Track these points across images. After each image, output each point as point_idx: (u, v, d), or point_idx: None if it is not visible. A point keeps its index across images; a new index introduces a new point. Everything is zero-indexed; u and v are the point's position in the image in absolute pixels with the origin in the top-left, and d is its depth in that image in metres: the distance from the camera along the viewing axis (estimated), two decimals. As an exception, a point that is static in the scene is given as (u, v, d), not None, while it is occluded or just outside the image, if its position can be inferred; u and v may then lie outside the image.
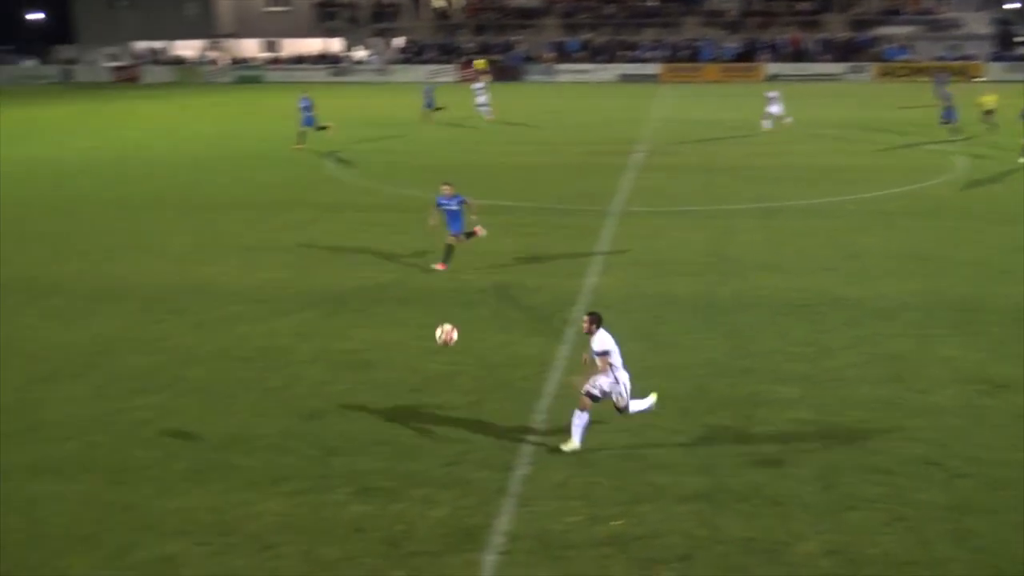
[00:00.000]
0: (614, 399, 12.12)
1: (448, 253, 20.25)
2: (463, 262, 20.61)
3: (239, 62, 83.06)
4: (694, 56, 78.49)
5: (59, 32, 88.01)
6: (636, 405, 12.40)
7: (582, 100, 59.42)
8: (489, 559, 9.65)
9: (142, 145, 40.40)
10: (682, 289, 19.08)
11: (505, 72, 75.17)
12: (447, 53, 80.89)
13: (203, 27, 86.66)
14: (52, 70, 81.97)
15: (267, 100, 47.59)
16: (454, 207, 20.06)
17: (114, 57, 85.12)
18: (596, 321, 12.00)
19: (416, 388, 14.16)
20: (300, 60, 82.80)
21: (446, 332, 12.83)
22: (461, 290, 19.06)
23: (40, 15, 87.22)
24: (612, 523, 10.27)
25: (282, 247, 22.61)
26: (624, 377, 12.10)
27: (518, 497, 10.89)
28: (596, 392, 11.94)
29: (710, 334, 16.33)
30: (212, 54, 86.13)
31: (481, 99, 47.46)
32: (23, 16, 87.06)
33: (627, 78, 74.21)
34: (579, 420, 11.85)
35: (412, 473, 11.46)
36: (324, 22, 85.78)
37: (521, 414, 13.16)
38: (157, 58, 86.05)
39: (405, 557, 9.73)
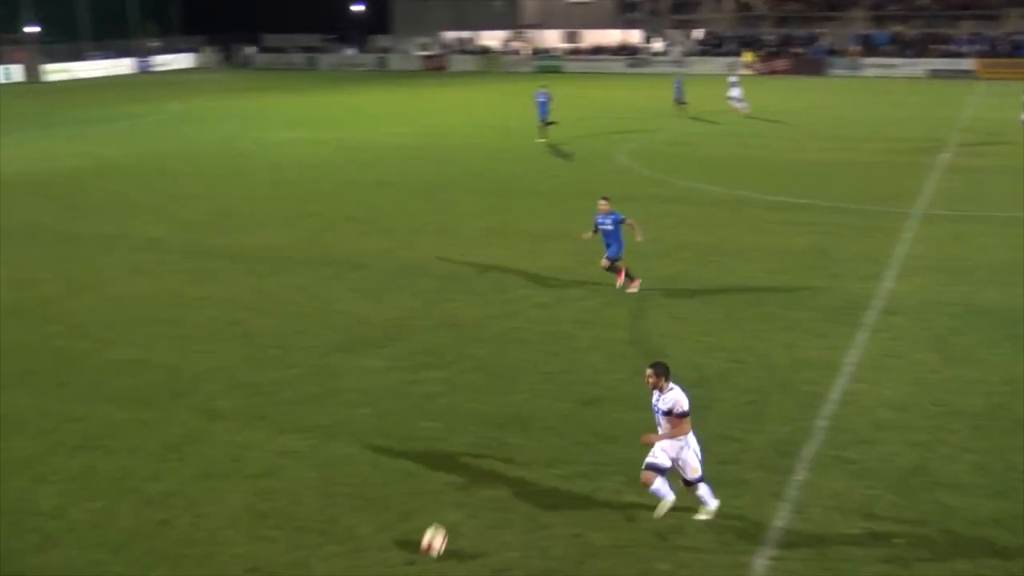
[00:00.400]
0: (681, 468, 10.12)
1: (623, 272, 18.53)
2: (749, 259, 20.22)
3: (539, 52, 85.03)
4: (1015, 51, 72.89)
5: (377, 23, 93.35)
6: (706, 490, 10.21)
7: (887, 96, 56.64)
8: (759, 563, 9.46)
9: (444, 131, 42.21)
10: (985, 299, 17.83)
11: (807, 65, 72.78)
12: (747, 45, 79.27)
13: (509, 18, 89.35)
14: (369, 58, 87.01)
15: (563, 90, 48.63)
16: (609, 226, 18.12)
17: (424, 46, 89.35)
18: (663, 373, 10.06)
19: (694, 383, 13.98)
20: (598, 51, 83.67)
21: (432, 541, 9.53)
22: (746, 287, 18.70)
23: (362, 7, 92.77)
24: (895, 541, 9.79)
25: (568, 235, 22.97)
26: (696, 443, 10.21)
27: (794, 503, 10.60)
28: (661, 463, 10.03)
29: (1014, 349, 15.18)
30: (515, 44, 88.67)
31: (735, 92, 46.17)
32: (347, 8, 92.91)
33: (937, 73, 69.92)
34: (657, 488, 10.03)
35: (685, 468, 11.40)
36: (625, 13, 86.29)
37: (802, 417, 12.78)
38: (464, 47, 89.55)
39: (673, 551, 9.70)
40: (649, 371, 10.11)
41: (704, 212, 25.25)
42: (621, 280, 18.39)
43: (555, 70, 78.28)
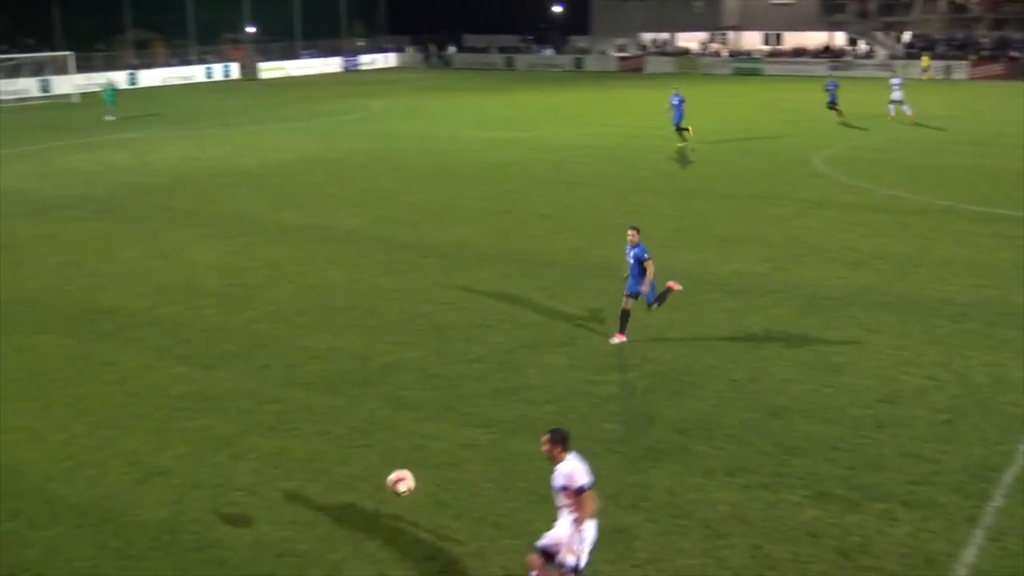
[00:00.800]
0: (562, 557, 8.37)
1: (624, 321, 15.89)
2: (951, 272, 19.29)
3: (738, 54, 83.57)
4: None
5: (575, 24, 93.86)
6: None
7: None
8: (948, 590, 9.02)
9: (637, 132, 42.00)
10: None
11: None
12: (959, 48, 75.53)
13: (709, 19, 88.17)
14: (566, 59, 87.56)
15: (763, 93, 47.54)
16: (630, 260, 15.59)
17: (621, 48, 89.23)
18: (559, 442, 8.60)
19: (886, 398, 13.48)
20: (800, 53, 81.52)
21: (395, 481, 9.57)
22: (947, 301, 17.82)
23: (560, 8, 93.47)
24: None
25: (761, 240, 22.49)
26: (592, 531, 8.54)
27: (989, 530, 10.04)
28: (549, 545, 8.53)
29: None
30: (714, 46, 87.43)
31: (896, 95, 43.90)
32: (547, 9, 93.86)
33: None
34: None
35: (873, 485, 10.97)
36: (830, 15, 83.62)
37: (1003, 441, 12.09)
38: (662, 49, 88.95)
39: (857, 570, 9.35)
40: (544, 438, 8.69)
41: (903, 221, 24.23)
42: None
43: (754, 72, 76.79)
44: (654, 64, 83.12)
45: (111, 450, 12.35)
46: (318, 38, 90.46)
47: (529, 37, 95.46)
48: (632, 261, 15.47)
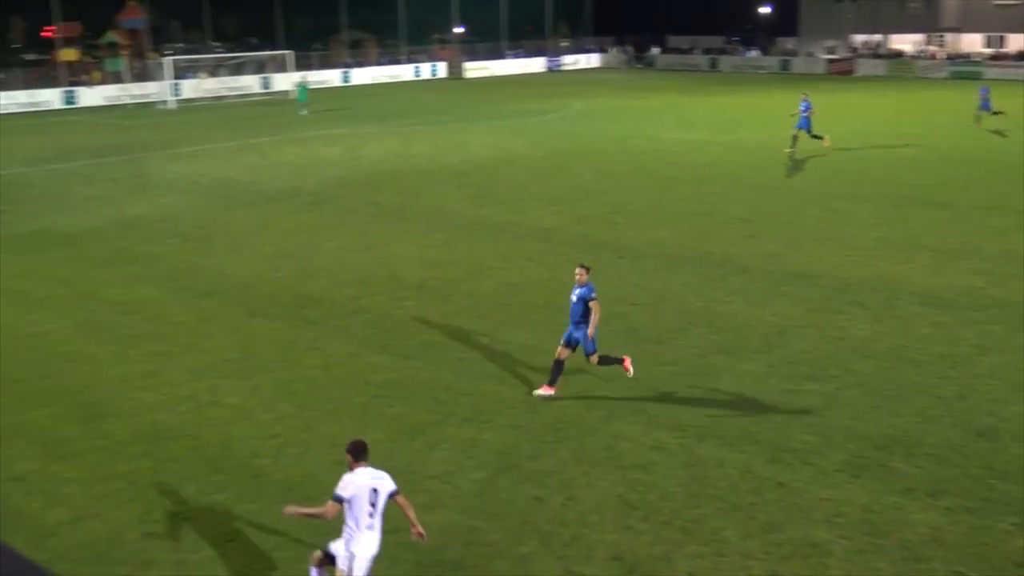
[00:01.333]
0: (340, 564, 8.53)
1: (555, 372, 13.82)
2: None
3: (956, 57, 79.58)
4: None
5: (783, 25, 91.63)
6: None
7: None
8: None
9: (841, 136, 40.58)
10: None
11: None
12: None
13: (925, 20, 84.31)
14: (772, 61, 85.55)
15: (1003, 99, 45.04)
16: (573, 299, 13.60)
17: (831, 49, 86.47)
18: (351, 451, 8.78)
19: (1110, 425, 12.58)
20: (1025, 56, 76.94)
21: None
22: None
23: (768, 9, 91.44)
24: None
25: (977, 252, 21.35)
26: (355, 543, 8.48)
27: None
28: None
29: None
30: (930, 48, 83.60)
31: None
32: (754, 10, 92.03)
33: None
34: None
35: (1091, 518, 10.26)
36: (1061, 16, 78.52)
37: None
38: (874, 51, 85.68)
39: (1068, 607, 8.78)
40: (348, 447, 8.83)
41: None
42: (627, 369, 13.93)
43: (974, 76, 72.91)
44: (865, 67, 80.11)
45: (314, 431, 12.90)
46: (523, 39, 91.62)
47: (734, 38, 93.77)
48: (575, 300, 13.44)
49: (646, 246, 22.42)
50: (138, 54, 70.90)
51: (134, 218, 26.50)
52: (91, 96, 61.65)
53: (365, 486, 8.57)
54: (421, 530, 8.88)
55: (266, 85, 67.22)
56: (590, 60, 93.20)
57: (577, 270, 13.54)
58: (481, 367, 15.15)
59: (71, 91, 61.63)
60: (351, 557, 8.52)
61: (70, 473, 11.87)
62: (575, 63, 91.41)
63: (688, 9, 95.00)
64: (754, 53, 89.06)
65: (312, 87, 59.29)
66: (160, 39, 78.80)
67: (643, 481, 11.32)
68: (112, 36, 72.95)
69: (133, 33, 73.62)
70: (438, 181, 31.43)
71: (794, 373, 14.61)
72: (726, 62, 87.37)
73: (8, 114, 56.52)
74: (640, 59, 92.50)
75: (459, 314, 17.81)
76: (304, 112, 52.20)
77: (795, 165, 33.51)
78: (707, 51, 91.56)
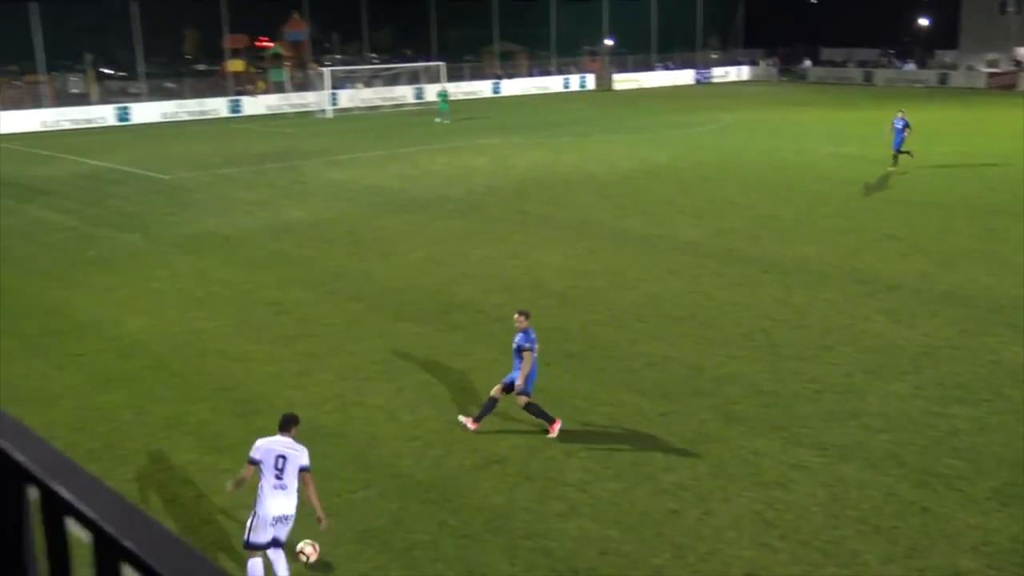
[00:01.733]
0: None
1: (485, 408, 13.34)
2: None
3: None
4: None
5: (942, 38, 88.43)
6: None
7: None
8: None
9: (1001, 154, 38.86)
10: None
11: None
12: None
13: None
14: (929, 74, 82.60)
15: None
16: (514, 344, 13.19)
17: (992, 63, 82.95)
18: (281, 422, 10.09)
19: None
20: None
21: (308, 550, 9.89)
22: None
23: (927, 21, 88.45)
24: None
25: None
26: (267, 506, 9.51)
27: None
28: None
29: None
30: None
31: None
32: (912, 22, 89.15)
33: None
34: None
35: None
36: None
37: None
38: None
39: None
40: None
41: None
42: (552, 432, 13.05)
43: None
44: (1029, 81, 76.58)
45: (455, 434, 13.06)
46: (673, 51, 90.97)
47: (890, 51, 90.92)
48: (514, 347, 13.09)
49: (791, 261, 21.92)
50: (299, 65, 73.26)
51: (290, 222, 27.38)
52: (255, 105, 64.05)
53: (272, 451, 9.63)
54: (321, 515, 9.75)
55: (419, 95, 68.53)
56: (740, 72, 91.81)
57: (515, 316, 13.24)
58: (620, 377, 15.07)
59: (237, 100, 64.16)
60: (254, 515, 9.59)
61: (224, 464, 12.32)
62: (725, 75, 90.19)
63: (842, 21, 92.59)
64: (911, 66, 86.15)
65: (463, 98, 60.00)
66: (320, 51, 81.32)
67: (782, 499, 11.06)
68: (276, 48, 75.62)
69: (295, 45, 76.13)
70: (584, 191, 31.45)
71: (943, 395, 14.04)
72: (881, 75, 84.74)
73: (179, 121, 59.23)
74: (791, 71, 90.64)
75: (600, 324, 17.76)
76: (439, 120, 53.43)
77: (949, 181, 32.24)
78: (861, 64, 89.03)
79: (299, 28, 76.33)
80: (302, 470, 9.66)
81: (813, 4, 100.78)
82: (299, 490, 9.68)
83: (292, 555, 9.72)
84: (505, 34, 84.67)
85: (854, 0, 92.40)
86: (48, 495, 1.53)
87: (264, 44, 76.10)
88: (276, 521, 9.52)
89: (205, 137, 50.27)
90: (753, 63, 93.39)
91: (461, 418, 13.47)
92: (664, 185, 32.40)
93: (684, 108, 61.24)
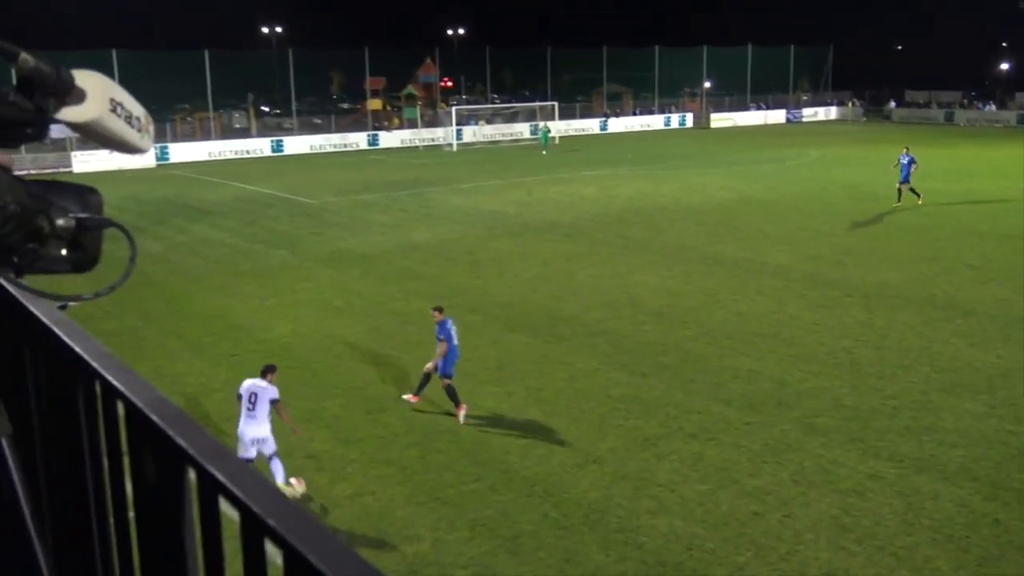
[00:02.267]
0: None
1: (421, 384, 14.27)
2: None
3: None
4: None
5: (1021, 80, 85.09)
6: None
7: None
8: None
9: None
10: None
11: None
12: None
13: None
14: (1009, 115, 79.41)
15: None
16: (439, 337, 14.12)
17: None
18: (262, 369, 11.95)
19: None
20: None
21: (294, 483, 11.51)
22: None
23: (1007, 65, 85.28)
24: None
25: None
26: (241, 428, 11.42)
27: None
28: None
29: None
30: None
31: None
32: (993, 66, 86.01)
33: None
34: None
35: None
36: None
37: None
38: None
39: None
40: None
41: None
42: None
43: None
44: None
45: (558, 436, 13.06)
46: (766, 92, 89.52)
47: (971, 93, 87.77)
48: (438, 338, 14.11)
49: (872, 286, 21.29)
50: (430, 104, 74.45)
51: (417, 243, 27.79)
52: (390, 139, 65.27)
53: (248, 389, 11.50)
54: (295, 429, 11.79)
55: (535, 131, 68.91)
56: (829, 113, 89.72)
57: (432, 312, 14.54)
58: (709, 388, 14.85)
59: (374, 134, 65.50)
60: (239, 437, 11.34)
61: (353, 455, 12.57)
62: (814, 115, 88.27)
63: (926, 65, 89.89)
64: (991, 108, 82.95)
65: (574, 134, 59.98)
66: (448, 92, 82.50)
67: (858, 506, 10.74)
68: (410, 89, 77.01)
69: (427, 87, 77.43)
70: (680, 219, 31.14)
71: (1017, 415, 13.44)
72: (962, 116, 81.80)
73: (325, 152, 60.76)
74: (876, 112, 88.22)
75: (692, 339, 17.54)
76: (543, 152, 54.47)
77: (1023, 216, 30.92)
78: (943, 105, 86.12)
79: (430, 72, 77.60)
80: (273, 402, 11.51)
81: (898, 50, 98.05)
82: (274, 418, 11.51)
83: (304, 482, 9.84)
84: (613, 77, 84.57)
85: (938, 46, 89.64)
86: (204, 476, 1.60)
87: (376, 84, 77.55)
88: (253, 442, 11.30)
89: (346, 167, 51.44)
90: (841, 104, 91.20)
91: (404, 396, 14.49)
92: (755, 214, 31.85)
93: (775, 144, 60.12)
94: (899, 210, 32.01)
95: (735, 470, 11.79)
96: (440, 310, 14.45)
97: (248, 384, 11.66)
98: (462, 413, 13.72)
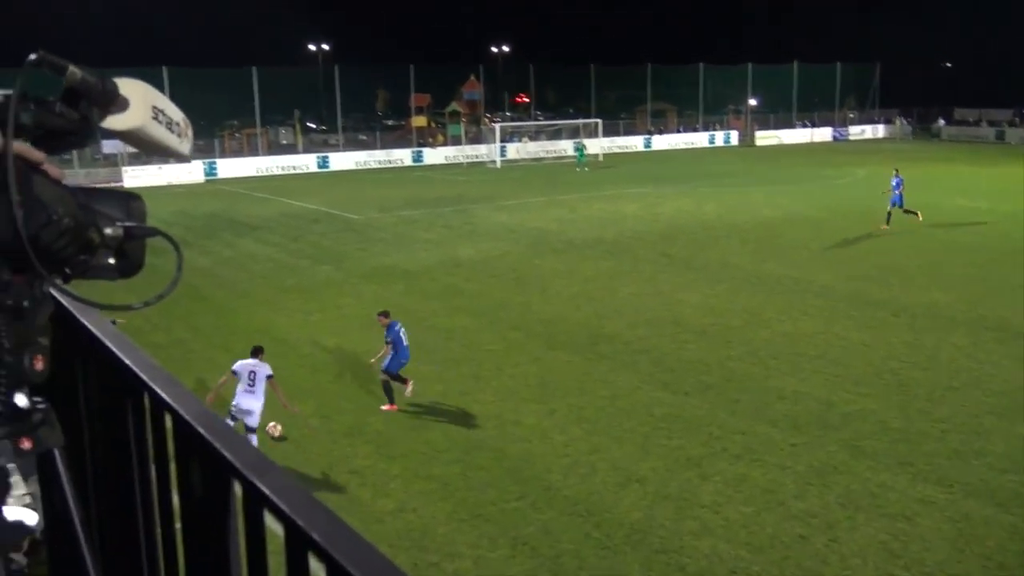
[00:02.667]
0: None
1: (386, 391, 15.10)
2: None
3: None
4: None
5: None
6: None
7: None
8: None
9: None
10: None
11: None
12: None
13: None
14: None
15: None
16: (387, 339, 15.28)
17: None
18: (253, 350, 13.58)
19: None
20: None
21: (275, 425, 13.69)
22: None
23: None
24: None
25: None
26: (239, 401, 13.00)
27: None
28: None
29: None
30: None
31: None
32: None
33: None
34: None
35: None
36: None
37: None
38: None
39: None
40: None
41: None
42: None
43: None
44: None
45: (600, 454, 12.98)
46: (812, 110, 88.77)
47: (1023, 111, 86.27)
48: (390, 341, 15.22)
49: (921, 306, 20.96)
50: (474, 121, 74.85)
51: (460, 259, 27.89)
52: (434, 155, 65.70)
53: (246, 367, 13.10)
54: (287, 404, 13.38)
55: (578, 148, 68.97)
56: (876, 131, 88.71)
57: (378, 317, 15.86)
58: (754, 409, 14.69)
59: (419, 151, 65.98)
60: (235, 408, 12.92)
61: (395, 470, 12.60)
62: (861, 133, 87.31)
63: (976, 82, 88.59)
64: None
65: (618, 151, 59.95)
66: (492, 108, 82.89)
67: (907, 531, 10.54)
68: (454, 106, 77.50)
69: (471, 104, 77.88)
70: (724, 237, 30.93)
71: (1070, 440, 13.12)
72: (1013, 134, 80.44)
73: (370, 169, 61.30)
74: (926, 130, 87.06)
75: (736, 359, 17.38)
76: (579, 169, 55.45)
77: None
78: (993, 123, 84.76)
79: (475, 88, 78.07)
80: (268, 378, 13.08)
81: (947, 67, 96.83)
82: (269, 393, 13.03)
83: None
84: (657, 95, 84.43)
85: (987, 63, 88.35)
86: (249, 489, 1.61)
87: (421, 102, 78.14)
88: (241, 412, 12.83)
89: (391, 183, 51.83)
90: (888, 122, 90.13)
91: (383, 407, 14.98)
92: (800, 233, 31.54)
93: (821, 163, 59.55)
94: (947, 228, 31.51)
95: (780, 492, 11.63)
96: (386, 314, 15.69)
97: (243, 363, 13.24)
98: (389, 408, 14.86)
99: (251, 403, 12.93)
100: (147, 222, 1.66)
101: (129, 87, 1.49)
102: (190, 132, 1.62)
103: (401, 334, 15.26)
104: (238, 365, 13.28)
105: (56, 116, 1.47)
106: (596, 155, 64.53)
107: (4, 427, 1.49)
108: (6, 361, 1.45)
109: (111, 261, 1.60)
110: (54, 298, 1.67)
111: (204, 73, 60.36)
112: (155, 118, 1.51)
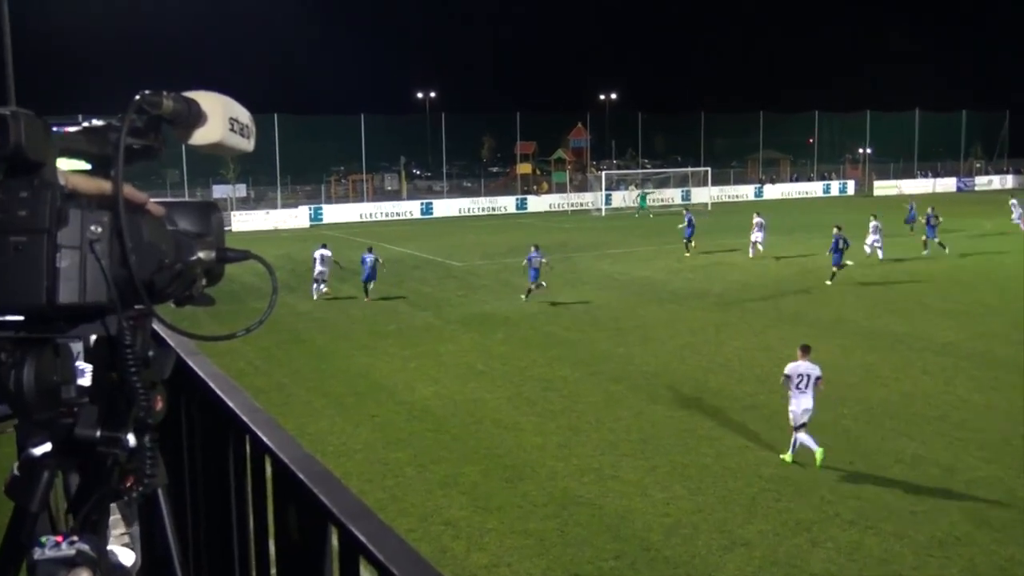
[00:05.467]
0: None
1: None
2: None
3: None
4: None
5: None
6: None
7: None
8: None
9: None
10: None
11: None
12: None
13: None
14: None
15: None
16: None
17: None
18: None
19: None
20: None
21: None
22: None
23: None
24: None
25: None
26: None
27: None
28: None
29: None
30: None
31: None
32: None
33: None
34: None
35: None
36: None
37: None
38: None
39: None
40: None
41: None
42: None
43: None
44: None
45: (704, 515, 12.71)
46: (935, 159, 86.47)
47: None
48: None
49: (1053, 368, 19.99)
50: (579, 169, 75.32)
51: (562, 308, 27.90)
52: (538, 203, 66.25)
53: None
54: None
55: (686, 197, 68.55)
56: (1005, 181, 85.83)
57: None
58: (869, 472, 14.18)
59: (523, 198, 66.64)
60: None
61: (491, 524, 12.56)
62: (988, 184, 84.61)
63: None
64: None
65: (728, 201, 59.34)
66: (598, 156, 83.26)
67: (1037, 611, 9.98)
68: (560, 153, 78.15)
69: (577, 151, 78.41)
70: (838, 290, 30.19)
71: None
72: None
73: (473, 216, 62.17)
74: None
75: (851, 418, 16.86)
76: (637, 215, 57.87)
77: None
78: None
79: (581, 136, 78.63)
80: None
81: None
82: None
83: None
84: (769, 143, 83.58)
85: None
86: (346, 535, 1.64)
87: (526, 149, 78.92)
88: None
89: (494, 230, 52.38)
90: (1018, 172, 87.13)
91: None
92: (919, 287, 30.59)
93: (945, 213, 57.65)
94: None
95: (897, 563, 11.17)
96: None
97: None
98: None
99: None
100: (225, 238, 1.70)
101: (206, 101, 1.55)
102: (254, 128, 1.67)
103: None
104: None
105: (154, 141, 1.53)
106: (705, 204, 64.03)
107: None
108: (139, 412, 1.50)
109: (204, 283, 1.65)
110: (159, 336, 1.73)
111: (314, 120, 62.43)
112: (231, 128, 1.57)
